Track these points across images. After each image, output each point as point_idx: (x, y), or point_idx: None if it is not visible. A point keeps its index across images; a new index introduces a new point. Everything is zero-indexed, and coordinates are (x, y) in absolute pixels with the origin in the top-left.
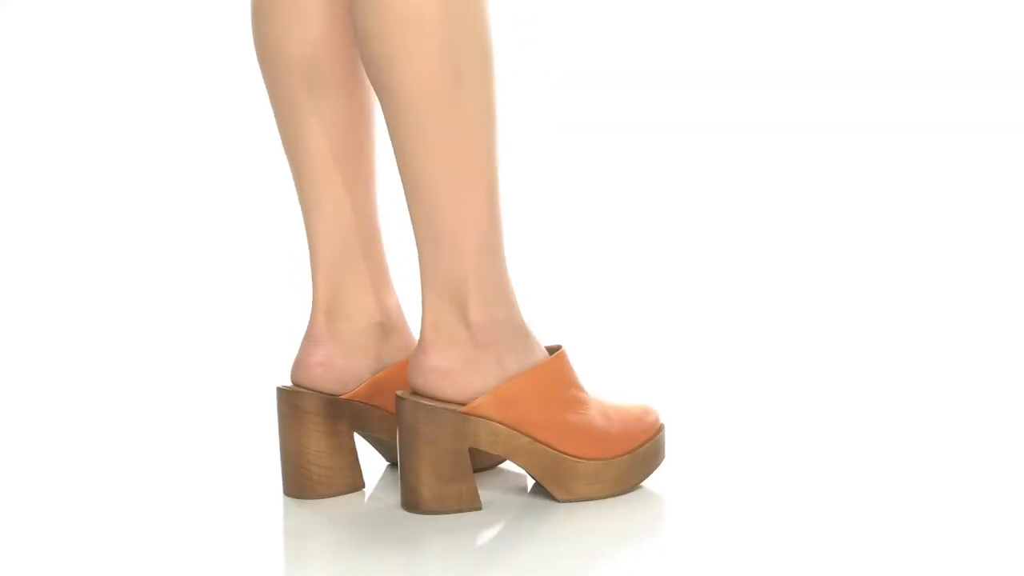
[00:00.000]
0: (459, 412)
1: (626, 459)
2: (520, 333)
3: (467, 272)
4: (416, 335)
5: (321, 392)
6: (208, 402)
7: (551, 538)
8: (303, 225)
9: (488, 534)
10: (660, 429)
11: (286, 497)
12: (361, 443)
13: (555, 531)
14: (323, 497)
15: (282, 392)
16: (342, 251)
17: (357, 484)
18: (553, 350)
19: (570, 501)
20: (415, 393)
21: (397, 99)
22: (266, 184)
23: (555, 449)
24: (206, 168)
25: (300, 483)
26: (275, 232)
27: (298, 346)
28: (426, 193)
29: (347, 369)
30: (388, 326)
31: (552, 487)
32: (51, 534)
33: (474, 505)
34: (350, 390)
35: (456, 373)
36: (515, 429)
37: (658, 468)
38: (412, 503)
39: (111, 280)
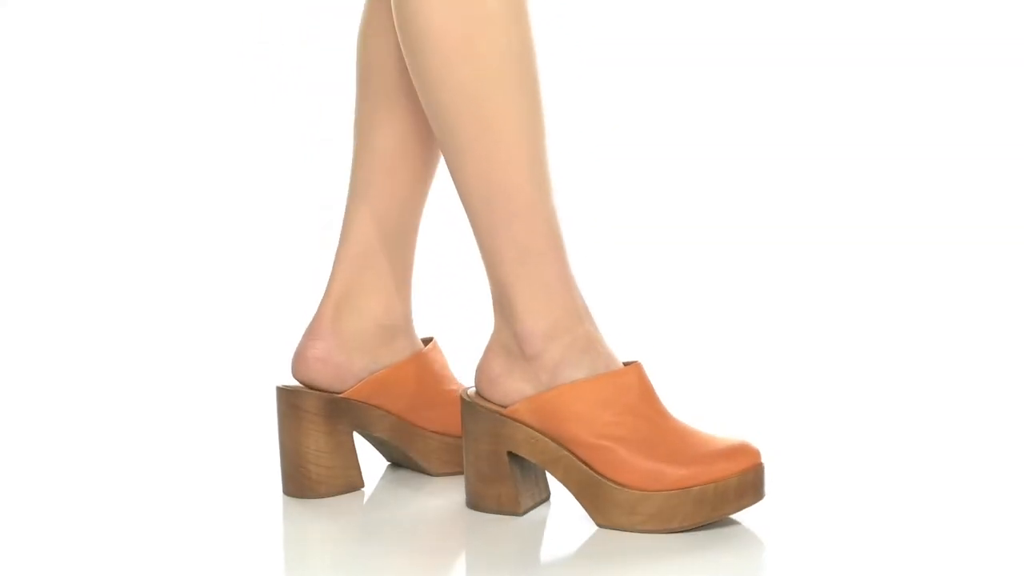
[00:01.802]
0: (497, 413)
1: (674, 495)
2: (582, 345)
3: (508, 282)
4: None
5: (318, 388)
6: (208, 401)
7: (545, 553)
8: (343, 214)
9: (486, 538)
10: (740, 473)
11: (286, 497)
12: (362, 443)
13: (554, 550)
14: (322, 496)
15: (282, 392)
16: (371, 247)
17: (356, 484)
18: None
19: (607, 527)
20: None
21: (429, 111)
22: (268, 184)
23: (593, 469)
24: (209, 168)
25: (300, 482)
26: (277, 233)
27: (299, 338)
28: (466, 204)
29: (344, 366)
30: (392, 331)
31: (588, 509)
32: (50, 534)
33: (513, 510)
34: (348, 388)
35: (504, 379)
36: (554, 440)
37: (735, 513)
38: (466, 496)
39: (113, 281)
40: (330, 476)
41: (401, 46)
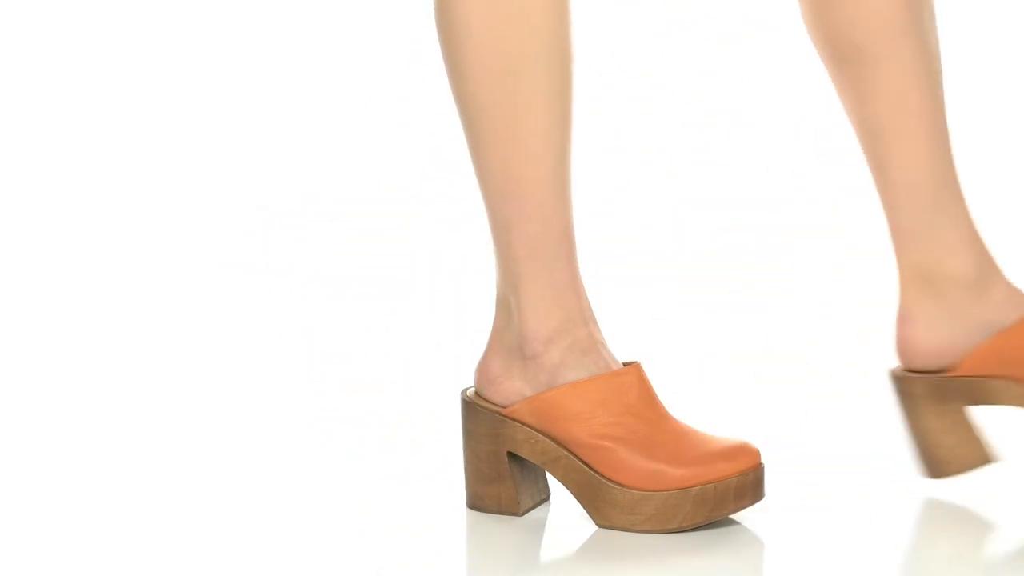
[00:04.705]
0: (497, 413)
1: (674, 495)
2: (583, 347)
3: (517, 279)
4: None
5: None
6: (215, 402)
7: (545, 553)
8: None
9: (486, 538)
10: (740, 473)
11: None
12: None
13: (554, 550)
14: (956, 475)
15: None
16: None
17: (986, 459)
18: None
19: (606, 527)
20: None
21: (456, 100)
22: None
23: (593, 469)
24: (217, 169)
25: (934, 467)
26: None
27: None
28: (484, 197)
29: (947, 340)
30: (980, 283)
31: (588, 510)
32: (68, 538)
33: (513, 510)
34: (956, 363)
35: (503, 379)
36: (554, 440)
37: (735, 514)
38: (466, 496)
39: (129, 282)
40: (954, 456)
41: (437, 34)
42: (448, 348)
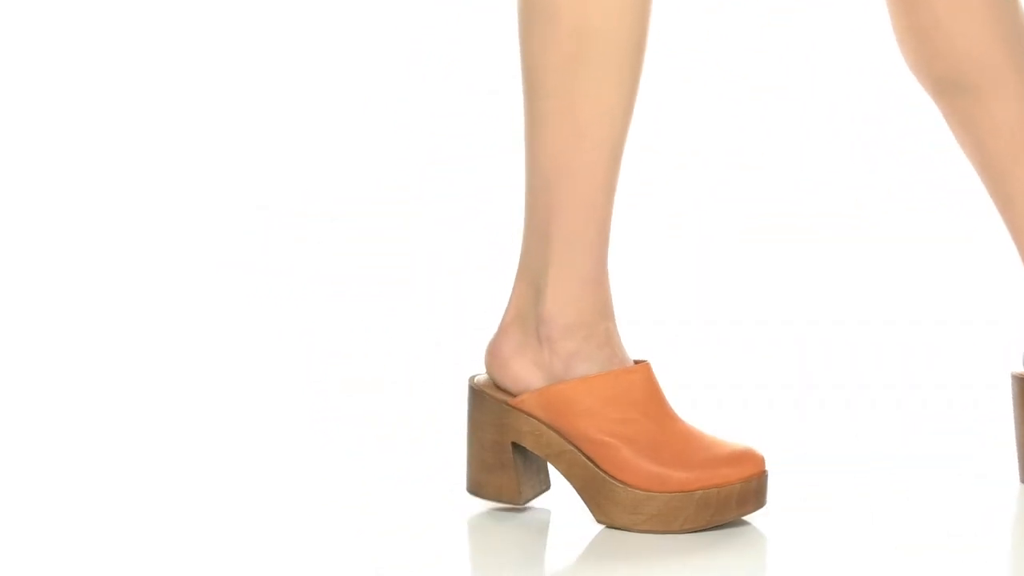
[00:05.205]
0: (504, 403)
1: (676, 497)
2: (599, 340)
3: (550, 261)
4: None
5: None
6: (215, 402)
7: (548, 553)
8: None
9: (487, 538)
10: (744, 480)
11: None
12: None
13: (557, 551)
14: None
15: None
16: None
17: None
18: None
19: (606, 525)
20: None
21: (524, 76)
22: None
23: (597, 466)
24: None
25: None
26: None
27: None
28: (532, 178)
29: None
30: None
31: (589, 505)
32: (68, 538)
33: (513, 499)
34: None
35: (515, 361)
36: (560, 434)
37: (740, 518)
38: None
39: (130, 282)
40: None
41: (517, 11)
42: (448, 348)
